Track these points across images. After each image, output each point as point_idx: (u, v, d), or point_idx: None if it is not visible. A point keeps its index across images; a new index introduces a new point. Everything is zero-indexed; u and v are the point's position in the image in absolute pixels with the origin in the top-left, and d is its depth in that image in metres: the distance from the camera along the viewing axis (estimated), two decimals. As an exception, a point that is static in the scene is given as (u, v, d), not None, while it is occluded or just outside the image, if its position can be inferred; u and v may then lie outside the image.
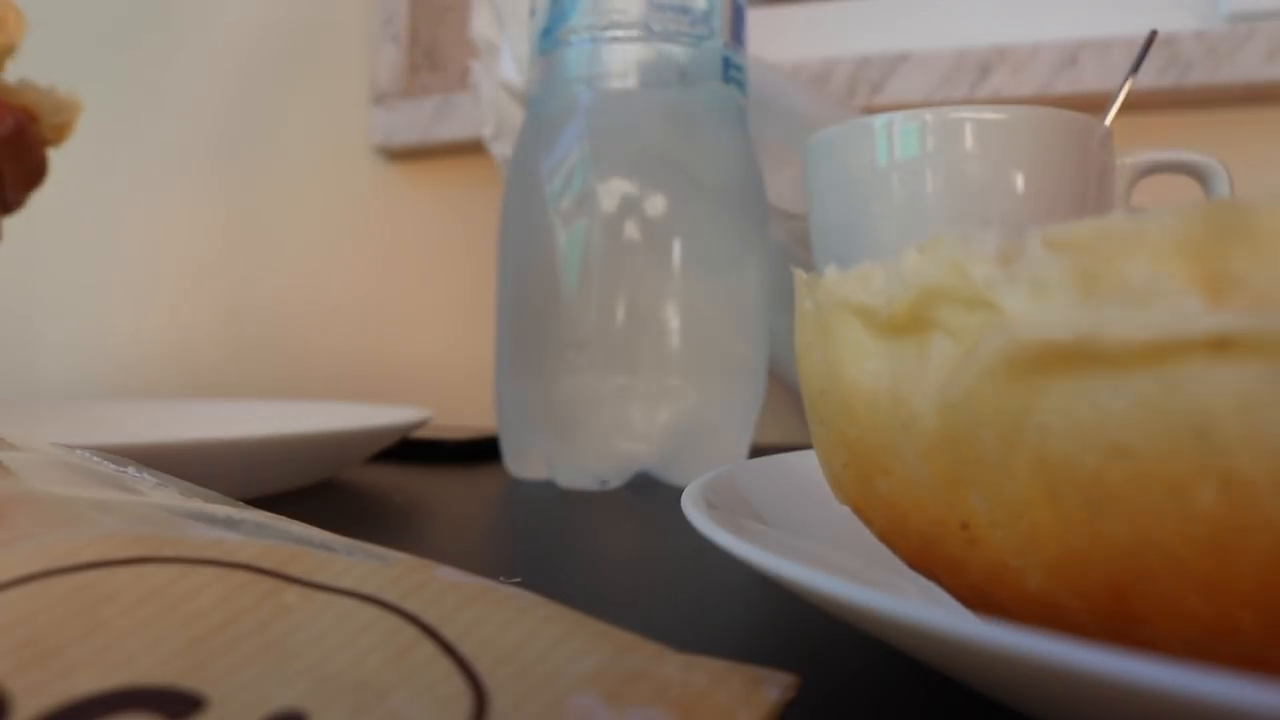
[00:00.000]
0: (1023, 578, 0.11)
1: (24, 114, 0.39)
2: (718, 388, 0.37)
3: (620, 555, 0.25)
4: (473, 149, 0.71)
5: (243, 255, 0.81)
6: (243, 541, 0.11)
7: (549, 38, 0.38)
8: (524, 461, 0.39)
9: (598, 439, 0.36)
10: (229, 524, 0.12)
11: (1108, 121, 0.36)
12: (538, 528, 0.29)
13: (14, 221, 0.87)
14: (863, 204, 0.36)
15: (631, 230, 0.36)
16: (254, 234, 0.81)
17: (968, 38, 0.68)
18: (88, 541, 0.10)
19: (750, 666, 0.10)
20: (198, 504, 0.13)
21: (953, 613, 0.08)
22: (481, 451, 0.47)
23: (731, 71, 0.38)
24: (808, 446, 0.42)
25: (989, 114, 0.34)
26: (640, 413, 0.36)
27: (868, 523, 0.14)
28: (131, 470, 0.14)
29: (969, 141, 0.34)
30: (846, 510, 0.19)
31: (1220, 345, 0.08)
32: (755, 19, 0.73)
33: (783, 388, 0.57)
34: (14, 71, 0.46)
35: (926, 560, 0.13)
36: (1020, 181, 0.34)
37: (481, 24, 0.57)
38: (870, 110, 0.60)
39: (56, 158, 0.84)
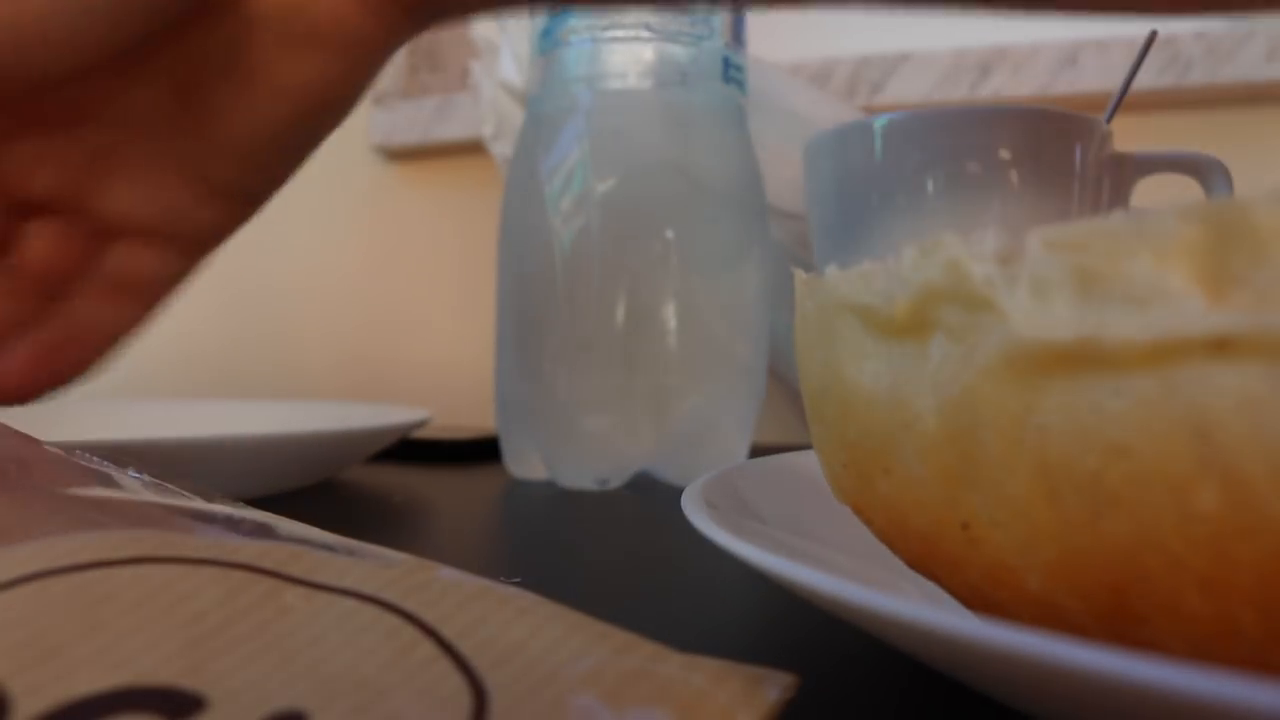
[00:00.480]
0: (1023, 578, 0.11)
1: None
2: (718, 388, 0.37)
3: (620, 555, 0.25)
4: (473, 149, 0.71)
5: (242, 255, 0.81)
6: (242, 542, 0.11)
7: (549, 38, 0.38)
8: (524, 461, 0.39)
9: (598, 439, 0.36)
10: (229, 523, 0.12)
11: (1108, 121, 0.36)
12: (538, 528, 0.29)
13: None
14: (863, 204, 0.36)
15: (631, 230, 0.36)
16: (253, 233, 0.81)
17: (967, 38, 0.68)
18: (87, 541, 0.10)
19: (749, 666, 0.10)
20: (197, 503, 0.13)
21: (953, 613, 0.08)
22: (481, 451, 0.47)
23: (731, 71, 0.38)
24: (808, 446, 0.42)
25: (989, 114, 0.34)
26: (640, 413, 0.36)
27: (868, 523, 0.14)
28: (131, 471, 0.14)
29: (969, 141, 0.34)
30: (846, 510, 0.19)
31: (1220, 345, 0.08)
32: (755, 19, 0.73)
33: (783, 388, 0.57)
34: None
35: (926, 560, 0.13)
36: (1019, 181, 0.34)
37: (481, 24, 0.57)
38: (870, 110, 0.60)
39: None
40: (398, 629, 0.10)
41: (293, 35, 0.22)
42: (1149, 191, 0.38)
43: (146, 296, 0.24)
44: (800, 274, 0.15)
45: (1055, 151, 0.34)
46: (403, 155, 0.76)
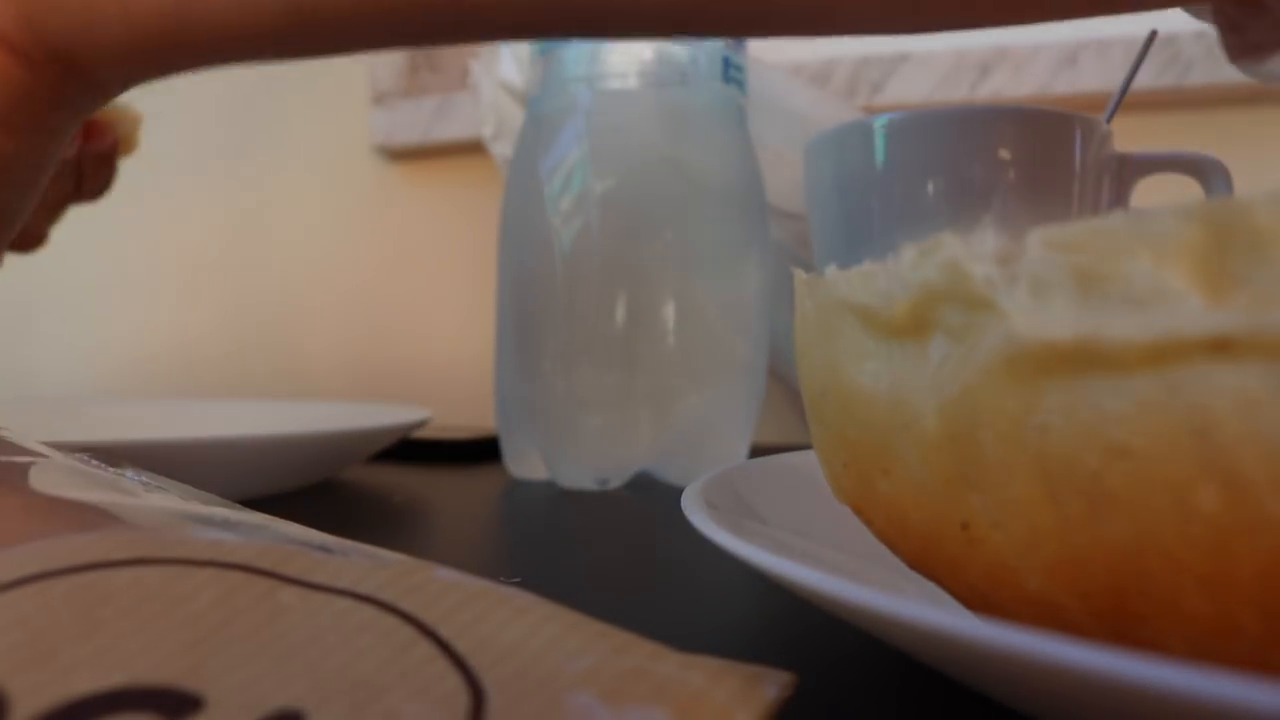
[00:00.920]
0: (1023, 578, 0.11)
1: (112, 131, 0.42)
2: (718, 388, 0.37)
3: (620, 555, 0.25)
4: (473, 149, 0.71)
5: (243, 255, 0.81)
6: (240, 542, 0.11)
7: (549, 38, 0.38)
8: (524, 461, 0.39)
9: (598, 439, 0.36)
10: (226, 525, 0.12)
11: (1108, 121, 0.36)
12: (538, 528, 0.29)
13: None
14: (863, 204, 0.36)
15: (631, 230, 0.36)
16: (254, 234, 0.81)
17: (968, 37, 0.68)
18: (86, 543, 0.10)
19: (748, 665, 0.10)
20: (195, 506, 0.13)
21: (953, 613, 0.08)
22: (481, 451, 0.47)
23: (731, 71, 0.38)
24: (808, 446, 0.42)
25: (989, 114, 0.34)
26: (640, 413, 0.36)
27: (868, 523, 0.14)
28: (129, 474, 0.15)
29: (969, 141, 0.34)
30: (846, 510, 0.19)
31: (1220, 345, 0.08)
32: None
33: (783, 388, 0.57)
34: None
35: (926, 560, 0.13)
36: (1019, 181, 0.34)
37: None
38: (870, 110, 0.60)
39: (56, 158, 0.83)
40: (395, 628, 0.10)
41: None
42: (1149, 191, 0.38)
43: None
44: (800, 274, 0.15)
45: (1055, 151, 0.34)
46: (403, 155, 0.76)
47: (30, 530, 0.10)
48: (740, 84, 0.39)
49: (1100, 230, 0.09)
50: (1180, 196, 0.54)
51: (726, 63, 0.38)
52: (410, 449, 0.47)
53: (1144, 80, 0.56)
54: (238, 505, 0.13)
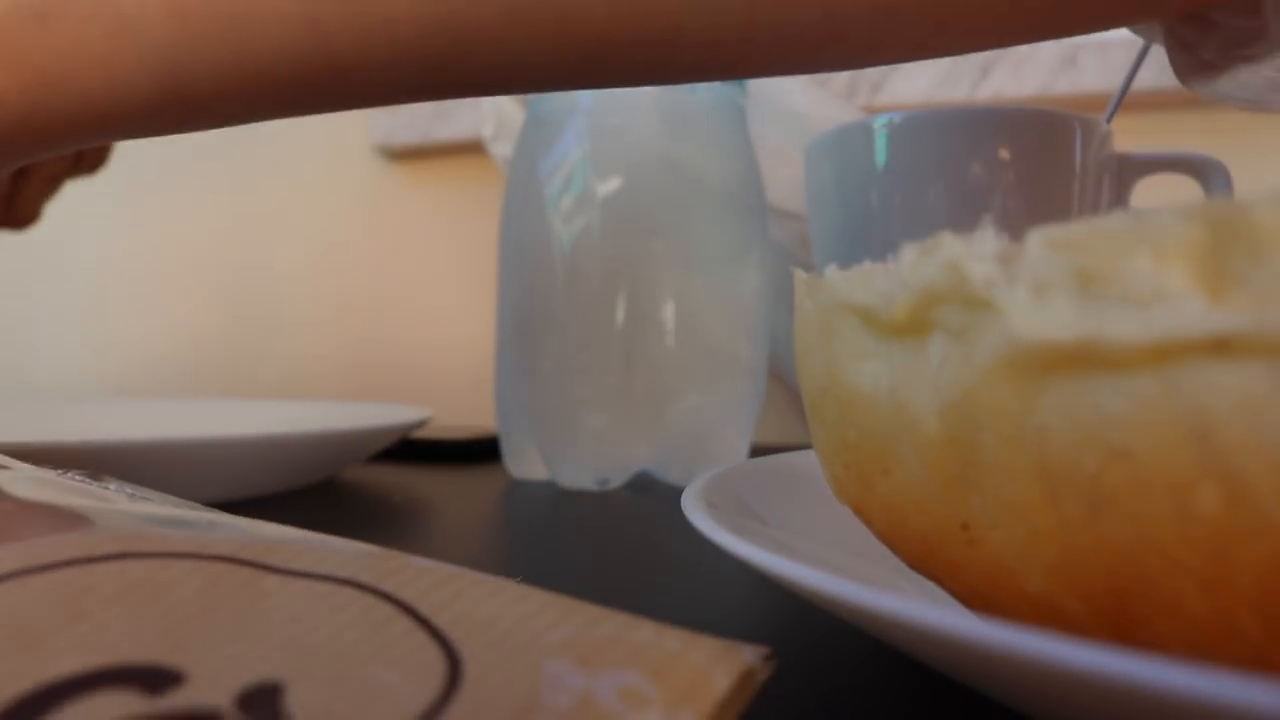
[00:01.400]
0: (1023, 579, 0.11)
1: None
2: (718, 388, 0.37)
3: (620, 555, 0.25)
4: (473, 149, 0.71)
5: (243, 255, 0.81)
6: (223, 537, 0.11)
7: (549, 38, 0.38)
8: (524, 461, 0.39)
9: (598, 439, 0.36)
10: (209, 527, 0.12)
11: (1108, 121, 0.36)
12: (538, 528, 0.29)
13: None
14: (863, 204, 0.36)
15: (631, 231, 0.36)
16: (254, 234, 0.81)
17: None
18: (68, 541, 0.10)
19: (722, 640, 0.10)
20: (176, 511, 0.13)
21: (953, 613, 0.08)
22: (481, 451, 0.47)
23: (731, 71, 0.38)
24: (808, 446, 0.42)
25: (989, 114, 0.34)
26: (640, 413, 0.36)
27: (868, 523, 0.14)
28: (112, 485, 0.15)
29: (968, 141, 0.34)
30: (846, 510, 0.19)
31: (1221, 346, 0.08)
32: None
33: (783, 388, 0.57)
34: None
35: (927, 561, 0.13)
36: (1019, 181, 0.34)
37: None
38: (870, 110, 0.60)
39: (56, 158, 0.83)
40: (373, 606, 0.10)
41: None
42: (1149, 191, 0.38)
43: None
44: (800, 274, 0.15)
45: (1055, 151, 0.34)
46: (403, 155, 0.76)
47: (12, 533, 0.10)
48: (740, 84, 0.39)
49: (1100, 230, 0.09)
50: (1180, 196, 0.54)
51: (726, 63, 0.38)
52: (410, 449, 0.47)
53: (1144, 80, 0.56)
54: (221, 511, 0.14)
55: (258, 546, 0.11)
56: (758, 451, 0.47)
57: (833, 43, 0.20)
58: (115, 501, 0.13)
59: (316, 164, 0.79)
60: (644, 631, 0.10)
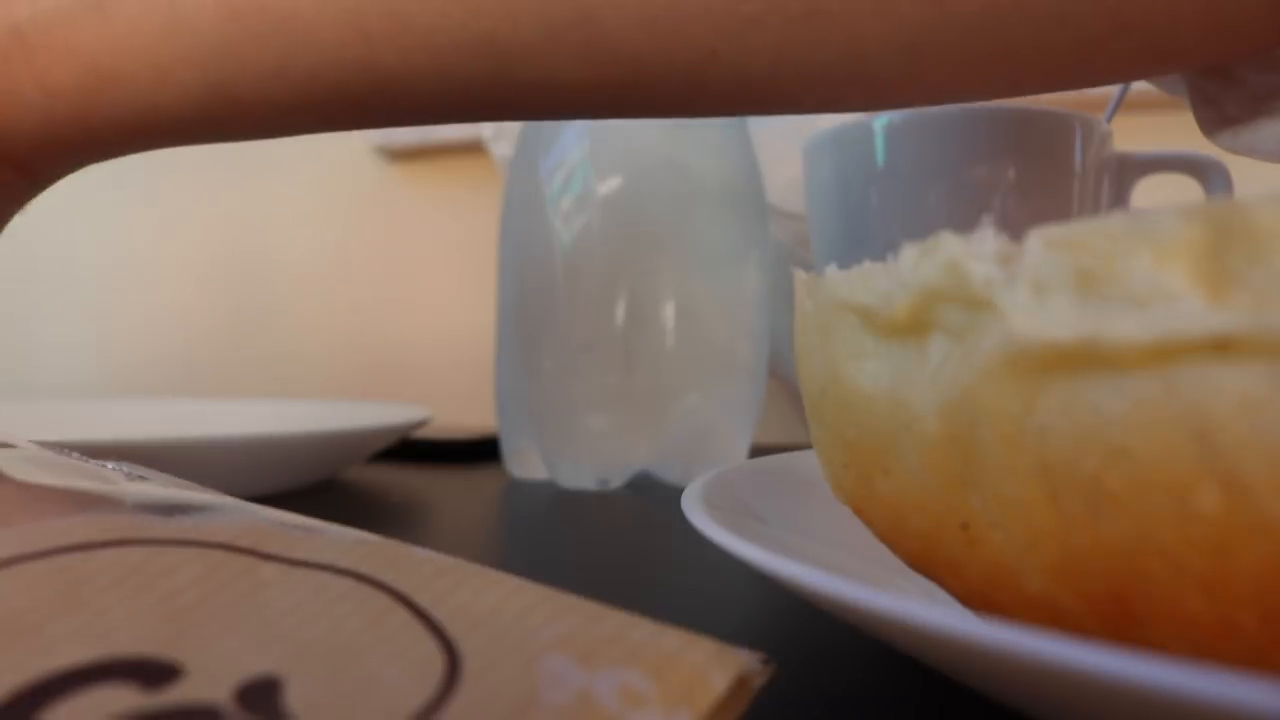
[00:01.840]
0: (1023, 579, 0.11)
1: None
2: (718, 388, 0.37)
3: (620, 555, 0.25)
4: (473, 149, 0.71)
5: (243, 255, 0.81)
6: (221, 524, 0.11)
7: (549, 38, 0.38)
8: (524, 461, 0.39)
9: (598, 439, 0.36)
10: (206, 510, 0.12)
11: (1108, 121, 0.36)
12: (538, 528, 0.29)
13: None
14: (863, 204, 0.36)
15: (631, 231, 0.36)
16: (254, 234, 0.81)
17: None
18: (66, 527, 0.10)
19: (720, 642, 0.10)
20: (175, 493, 0.13)
21: (953, 613, 0.08)
22: (481, 451, 0.47)
23: (731, 71, 0.38)
24: (808, 446, 0.42)
25: (989, 114, 0.34)
26: (640, 413, 0.36)
27: (868, 523, 0.14)
28: (110, 465, 0.15)
29: (969, 141, 0.34)
30: (846, 510, 0.19)
31: (1221, 346, 0.08)
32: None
33: (783, 388, 0.57)
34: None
35: (926, 561, 0.13)
36: (1019, 181, 0.34)
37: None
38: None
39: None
40: (372, 597, 0.10)
41: None
42: (1149, 191, 0.38)
43: None
44: (800, 274, 0.15)
45: (1055, 151, 0.34)
46: (403, 155, 0.76)
47: (10, 515, 0.10)
48: (740, 84, 0.39)
49: (1100, 230, 0.09)
50: (1180, 196, 0.54)
51: (726, 63, 0.38)
52: (410, 449, 0.47)
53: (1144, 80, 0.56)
54: (219, 493, 0.13)
55: (256, 533, 0.11)
56: (758, 451, 0.47)
57: (857, 80, 0.21)
58: (114, 481, 0.13)
59: (316, 164, 0.79)
60: (643, 630, 0.10)
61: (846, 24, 0.19)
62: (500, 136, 0.55)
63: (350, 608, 0.09)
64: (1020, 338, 0.10)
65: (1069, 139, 0.34)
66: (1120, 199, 0.37)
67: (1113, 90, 0.39)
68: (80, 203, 0.86)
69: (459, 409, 0.73)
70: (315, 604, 0.09)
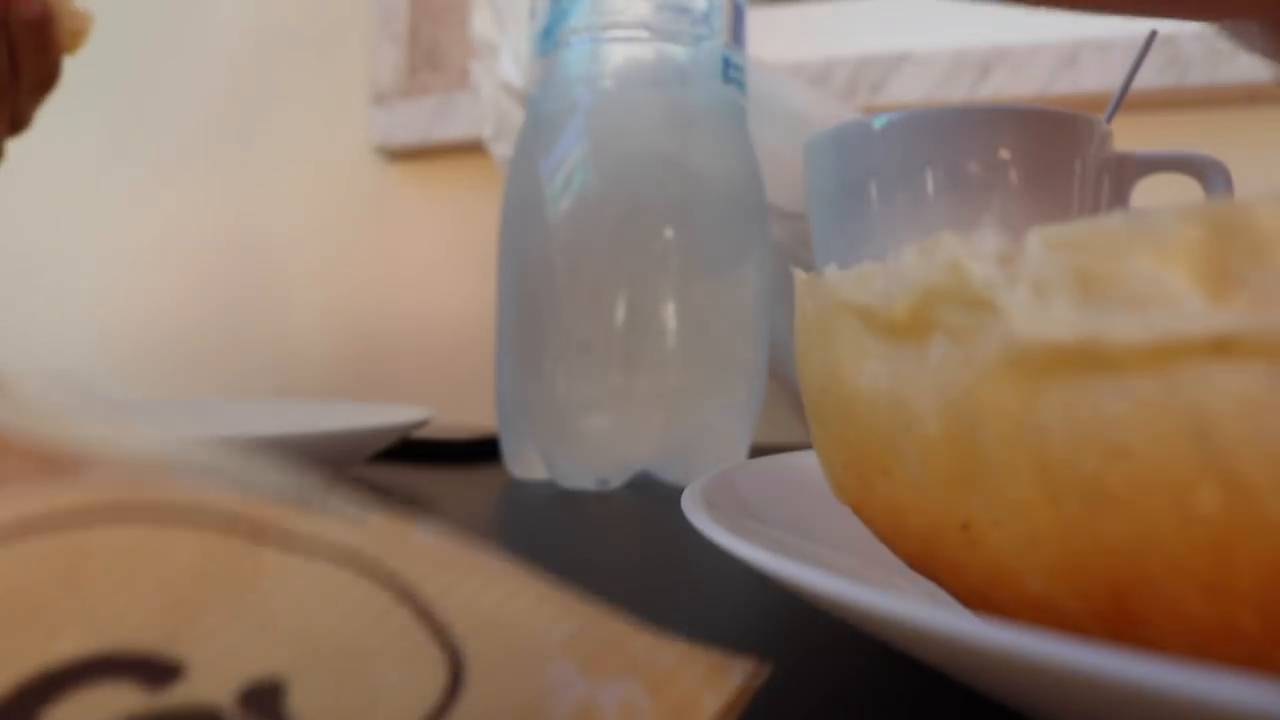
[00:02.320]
0: (1023, 579, 0.11)
1: (48, 6, 0.41)
2: (718, 388, 0.37)
3: (620, 555, 0.25)
4: (473, 149, 0.71)
5: (242, 254, 0.81)
6: (219, 493, 0.11)
7: (549, 38, 0.38)
8: (524, 461, 0.39)
9: (598, 439, 0.36)
10: (204, 471, 0.11)
11: (1108, 121, 0.36)
12: (538, 528, 0.29)
13: (13, 219, 0.86)
14: (862, 204, 0.36)
15: (631, 231, 0.36)
16: (253, 233, 0.81)
17: (967, 38, 0.68)
18: (63, 494, 0.10)
19: (716, 652, 0.10)
20: (174, 449, 0.12)
21: (953, 613, 0.08)
22: (481, 451, 0.47)
23: (731, 71, 0.38)
24: (808, 446, 0.42)
25: (989, 114, 0.34)
26: (640, 413, 0.36)
27: (868, 523, 0.14)
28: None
29: (969, 141, 0.34)
30: (846, 510, 0.19)
31: (1221, 346, 0.08)
32: (755, 19, 0.73)
33: (783, 388, 0.57)
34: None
35: (927, 561, 0.13)
36: (1019, 181, 0.34)
37: (481, 24, 0.57)
38: (870, 110, 0.60)
39: (58, 158, 0.84)
40: (374, 593, 0.10)
41: None
42: (1149, 191, 0.38)
43: None
44: (800, 274, 0.15)
45: (1055, 151, 0.34)
46: (403, 155, 0.76)
47: (10, 473, 0.10)
48: (740, 84, 0.39)
49: (1100, 230, 0.09)
50: (1180, 196, 0.54)
51: (726, 63, 0.38)
52: (410, 449, 0.47)
53: (1144, 80, 0.56)
54: (217, 446, 0.13)
55: (256, 507, 0.11)
56: (758, 451, 0.47)
57: None
58: (103, 425, 0.12)
59: (316, 163, 0.79)
60: (642, 640, 0.09)
61: None
62: (500, 136, 0.55)
63: (354, 603, 0.09)
64: (1020, 338, 0.10)
65: (1069, 139, 0.34)
66: (1120, 199, 0.37)
67: (1113, 90, 0.39)
68: (81, 203, 0.86)
69: (459, 409, 0.73)
70: (317, 598, 0.09)
